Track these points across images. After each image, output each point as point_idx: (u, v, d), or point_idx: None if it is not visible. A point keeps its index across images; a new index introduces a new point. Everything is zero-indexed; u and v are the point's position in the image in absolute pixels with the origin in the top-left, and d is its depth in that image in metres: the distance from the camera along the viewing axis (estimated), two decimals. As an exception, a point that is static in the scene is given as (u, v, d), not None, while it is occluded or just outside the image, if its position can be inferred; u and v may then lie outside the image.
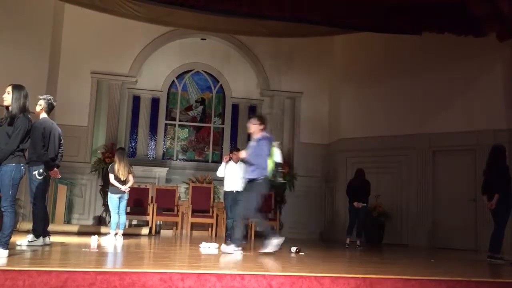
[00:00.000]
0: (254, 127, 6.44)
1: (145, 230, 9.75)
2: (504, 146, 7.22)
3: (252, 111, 12.90)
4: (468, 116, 9.93)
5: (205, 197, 10.65)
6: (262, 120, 6.52)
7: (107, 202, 8.30)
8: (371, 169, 10.18)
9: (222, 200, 10.10)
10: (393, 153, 10.95)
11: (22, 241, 5.88)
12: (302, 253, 6.54)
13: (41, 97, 6.29)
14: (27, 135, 4.68)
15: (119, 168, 7.84)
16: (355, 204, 9.23)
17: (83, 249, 5.77)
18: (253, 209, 6.19)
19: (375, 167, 10.68)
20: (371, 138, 11.18)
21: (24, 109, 4.68)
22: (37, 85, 9.71)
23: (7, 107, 4.77)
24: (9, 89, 4.75)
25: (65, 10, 11.32)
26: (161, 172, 11.73)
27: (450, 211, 10.08)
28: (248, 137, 12.74)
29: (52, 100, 6.33)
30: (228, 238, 8.94)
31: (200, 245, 6.90)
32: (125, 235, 8.40)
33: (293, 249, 6.71)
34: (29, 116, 4.74)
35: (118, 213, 7.92)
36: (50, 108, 6.28)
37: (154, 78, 12.41)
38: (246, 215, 6.37)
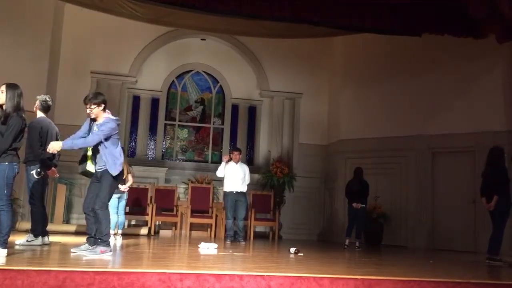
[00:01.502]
0: (96, 111, 5.27)
1: (144, 230, 9.74)
2: (503, 148, 7.22)
3: (252, 111, 12.91)
4: (467, 117, 9.93)
5: (204, 198, 10.63)
6: (101, 100, 5.29)
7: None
8: (370, 170, 10.18)
9: (221, 200, 10.10)
10: (392, 154, 10.95)
11: (21, 241, 5.88)
12: (301, 254, 6.54)
13: (38, 97, 6.29)
14: (20, 134, 4.67)
15: (118, 168, 7.82)
16: (354, 205, 9.24)
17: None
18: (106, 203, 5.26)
19: (375, 168, 10.68)
20: (371, 139, 11.18)
21: (18, 108, 4.67)
22: (37, 84, 9.70)
23: (1, 106, 4.76)
24: (3, 88, 4.74)
25: (65, 10, 11.32)
26: (160, 172, 11.73)
27: (449, 212, 10.07)
28: (248, 137, 12.87)
29: (48, 99, 6.30)
30: (228, 239, 8.96)
31: (199, 246, 6.90)
32: (124, 235, 8.41)
33: (292, 249, 6.72)
34: (23, 115, 4.73)
35: (117, 213, 7.92)
36: (45, 107, 6.24)
37: (154, 78, 12.41)
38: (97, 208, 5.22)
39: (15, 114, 4.63)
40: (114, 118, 5.42)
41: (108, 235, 5.23)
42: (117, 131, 5.35)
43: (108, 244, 5.16)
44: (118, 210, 7.92)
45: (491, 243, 6.80)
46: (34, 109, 6.22)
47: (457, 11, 8.56)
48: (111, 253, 5.17)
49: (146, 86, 12.34)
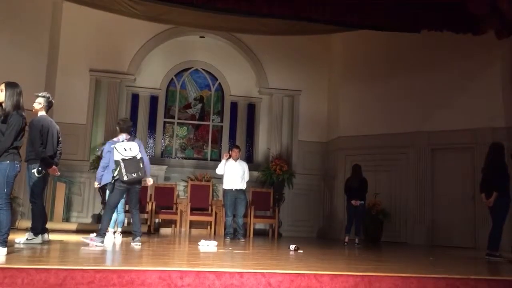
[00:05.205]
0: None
1: (143, 228, 9.73)
2: (503, 144, 7.22)
3: (251, 109, 12.90)
4: (467, 114, 9.93)
5: (203, 195, 10.64)
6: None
7: (105, 200, 8.28)
8: (369, 167, 10.19)
9: (221, 198, 10.11)
10: (392, 151, 10.96)
11: (21, 239, 5.88)
12: (301, 251, 6.54)
13: (39, 94, 6.26)
14: (21, 132, 4.67)
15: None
16: (353, 202, 9.24)
17: (82, 247, 5.77)
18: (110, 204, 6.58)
19: (374, 165, 10.69)
20: (370, 136, 11.18)
21: (18, 107, 4.67)
22: (35, 82, 9.69)
23: (0, 104, 4.75)
24: (2, 86, 4.73)
25: (64, 7, 11.30)
26: (159, 170, 11.71)
27: (449, 209, 10.09)
28: (247, 135, 12.86)
29: (51, 98, 6.32)
30: (227, 236, 8.98)
31: (199, 243, 6.90)
32: (124, 233, 8.39)
33: (292, 246, 6.73)
34: (23, 113, 4.73)
35: (117, 211, 7.90)
36: (49, 106, 6.28)
37: (153, 76, 12.39)
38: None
39: (15, 112, 4.63)
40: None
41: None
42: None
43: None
44: (118, 208, 7.89)
45: (491, 239, 6.81)
46: (38, 108, 6.18)
47: (456, 7, 8.55)
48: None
49: (145, 84, 12.33)
